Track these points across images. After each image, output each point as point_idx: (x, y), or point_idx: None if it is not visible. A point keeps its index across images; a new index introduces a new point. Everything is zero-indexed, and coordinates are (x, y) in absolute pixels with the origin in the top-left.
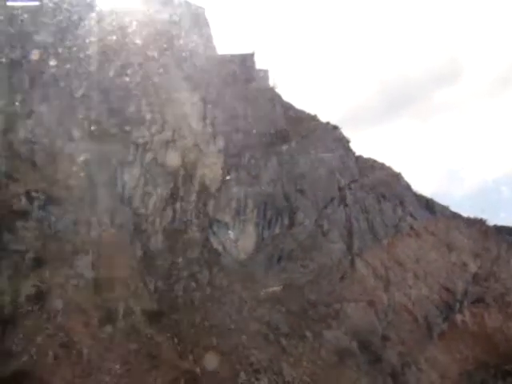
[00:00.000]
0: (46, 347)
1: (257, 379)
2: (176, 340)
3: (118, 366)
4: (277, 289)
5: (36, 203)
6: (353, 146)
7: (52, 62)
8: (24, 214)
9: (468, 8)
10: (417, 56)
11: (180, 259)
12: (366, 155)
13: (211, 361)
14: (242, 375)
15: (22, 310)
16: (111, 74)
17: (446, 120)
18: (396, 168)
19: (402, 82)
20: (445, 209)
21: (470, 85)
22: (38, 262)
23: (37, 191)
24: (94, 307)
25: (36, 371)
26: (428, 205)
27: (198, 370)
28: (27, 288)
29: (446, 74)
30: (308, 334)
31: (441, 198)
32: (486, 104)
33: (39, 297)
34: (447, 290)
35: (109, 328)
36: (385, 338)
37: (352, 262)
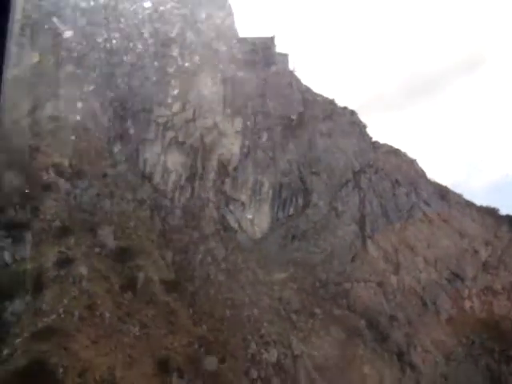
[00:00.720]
0: (72, 308)
1: (266, 351)
2: (191, 310)
3: (137, 329)
4: (284, 275)
5: (63, 176)
6: (369, 131)
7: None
8: (52, 186)
9: None
10: (439, 43)
11: (197, 235)
12: (382, 141)
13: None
14: (253, 346)
15: (49, 274)
16: (134, 54)
17: (466, 109)
18: (412, 155)
19: (424, 68)
20: (458, 197)
21: (493, 73)
22: (64, 231)
23: (63, 164)
24: (116, 274)
25: (63, 328)
26: (442, 192)
27: (211, 337)
28: (54, 254)
29: (469, 62)
30: (318, 311)
31: (458, 190)
32: (509, 94)
33: (65, 263)
34: (457, 275)
35: (129, 294)
36: (392, 319)
37: (364, 244)
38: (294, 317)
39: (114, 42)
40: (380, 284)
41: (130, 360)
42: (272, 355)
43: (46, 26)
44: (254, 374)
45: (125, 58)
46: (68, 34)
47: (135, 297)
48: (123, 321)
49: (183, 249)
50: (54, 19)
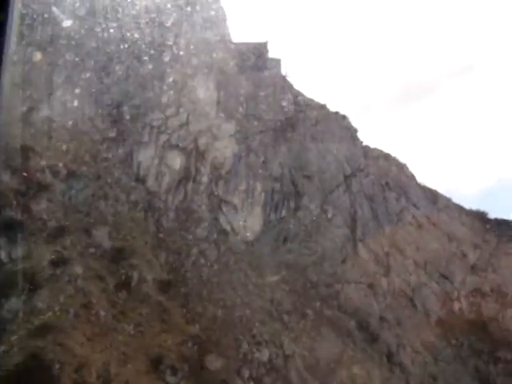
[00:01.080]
0: (68, 306)
1: (258, 350)
2: (184, 309)
3: (131, 327)
4: (276, 278)
5: (58, 177)
6: (360, 135)
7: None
8: (47, 186)
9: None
10: (430, 48)
11: (190, 236)
12: (373, 145)
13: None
14: (245, 345)
15: (45, 272)
16: (129, 58)
17: (457, 115)
18: (402, 159)
19: (415, 73)
20: (448, 201)
21: (485, 79)
22: (60, 231)
23: (58, 165)
24: (111, 274)
25: (59, 325)
26: (431, 196)
27: (204, 336)
28: (50, 253)
29: (461, 67)
30: (309, 312)
31: (451, 196)
32: (502, 98)
33: (61, 262)
34: (446, 278)
35: (124, 293)
36: (382, 320)
37: (354, 247)
38: (285, 317)
39: (111, 31)
40: (370, 286)
41: (124, 357)
42: (263, 355)
43: (45, 15)
44: (246, 373)
45: (121, 47)
46: (67, 23)
47: (129, 296)
48: (118, 319)
49: (176, 250)
50: (54, 9)
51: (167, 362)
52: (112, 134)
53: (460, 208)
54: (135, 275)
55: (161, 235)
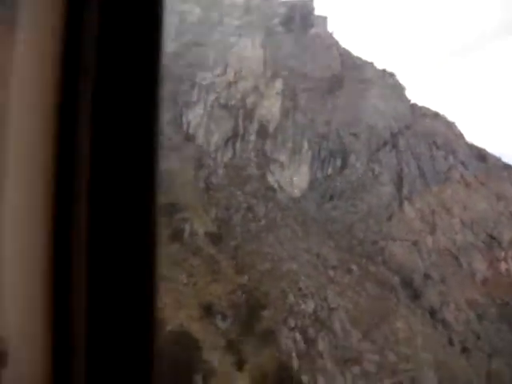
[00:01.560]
0: None
1: (304, 302)
2: (234, 262)
3: (184, 277)
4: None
5: None
6: (408, 93)
7: None
8: None
9: None
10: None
11: (239, 192)
12: (421, 103)
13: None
14: (291, 297)
15: None
16: (176, 19)
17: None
18: (451, 118)
19: (465, 28)
20: (497, 160)
21: None
22: None
23: None
24: (164, 227)
25: None
26: (480, 155)
27: (252, 287)
28: None
29: (509, 24)
30: (354, 267)
31: (501, 155)
32: None
33: None
34: (493, 238)
35: (176, 245)
36: (426, 277)
37: (400, 205)
38: (331, 272)
39: None
40: (415, 243)
41: (178, 304)
42: (309, 306)
43: None
44: (292, 322)
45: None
46: None
47: (182, 247)
48: (171, 269)
49: (226, 206)
50: None
51: (218, 309)
52: (162, 94)
53: (510, 167)
54: (187, 228)
55: (211, 192)
